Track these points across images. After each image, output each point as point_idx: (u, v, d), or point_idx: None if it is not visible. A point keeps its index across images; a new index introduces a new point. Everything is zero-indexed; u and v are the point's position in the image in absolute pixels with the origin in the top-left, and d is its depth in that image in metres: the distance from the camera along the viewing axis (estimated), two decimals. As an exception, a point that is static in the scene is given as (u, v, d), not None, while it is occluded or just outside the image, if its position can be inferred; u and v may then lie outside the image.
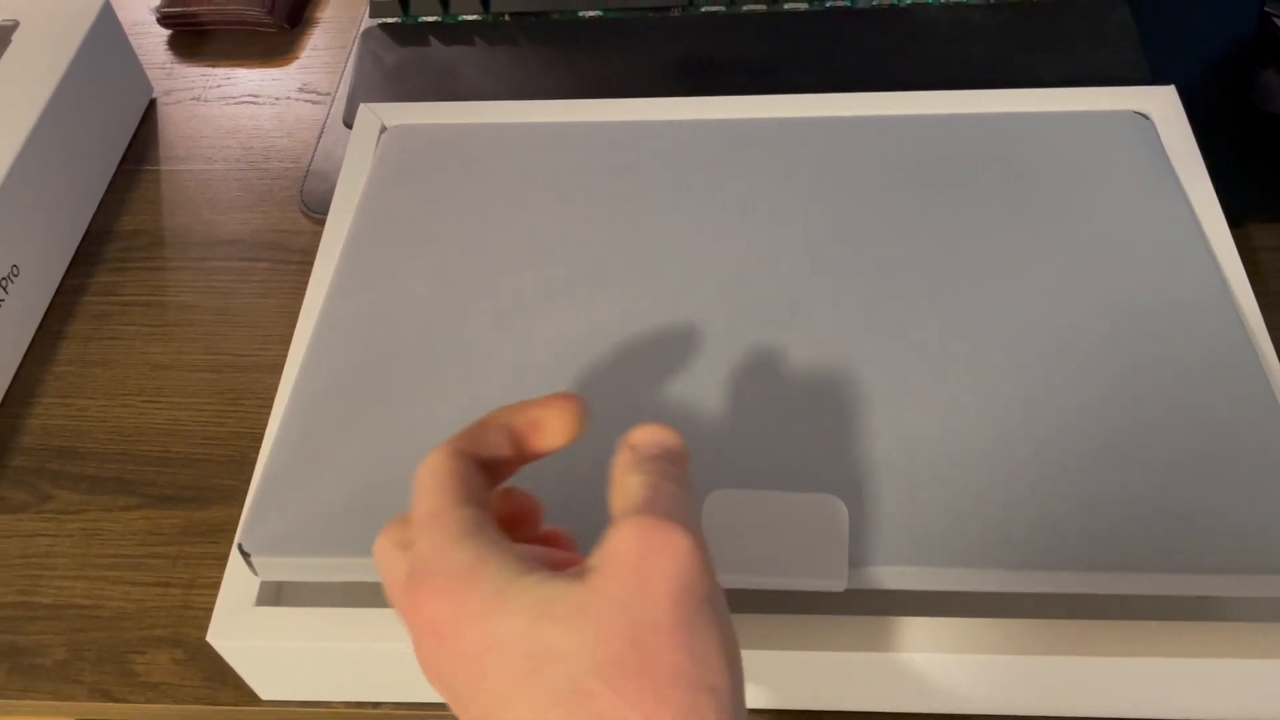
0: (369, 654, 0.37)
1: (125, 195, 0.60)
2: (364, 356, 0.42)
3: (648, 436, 0.28)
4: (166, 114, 0.65)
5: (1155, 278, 0.42)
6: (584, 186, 0.47)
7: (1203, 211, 0.46)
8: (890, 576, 0.35)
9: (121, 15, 0.64)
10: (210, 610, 0.38)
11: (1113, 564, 0.34)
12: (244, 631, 0.37)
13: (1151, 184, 0.46)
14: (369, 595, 0.39)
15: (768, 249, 0.44)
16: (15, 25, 0.58)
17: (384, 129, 0.53)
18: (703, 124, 0.51)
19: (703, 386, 0.40)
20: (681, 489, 0.26)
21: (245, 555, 0.36)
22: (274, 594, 0.40)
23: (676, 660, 0.21)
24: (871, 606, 0.37)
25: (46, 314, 0.55)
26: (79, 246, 0.58)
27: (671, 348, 0.41)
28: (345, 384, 0.41)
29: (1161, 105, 0.50)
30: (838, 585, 0.34)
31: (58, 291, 0.56)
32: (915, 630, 0.36)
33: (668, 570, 0.22)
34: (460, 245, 0.45)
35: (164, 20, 0.69)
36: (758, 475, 0.37)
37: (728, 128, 0.50)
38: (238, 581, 0.38)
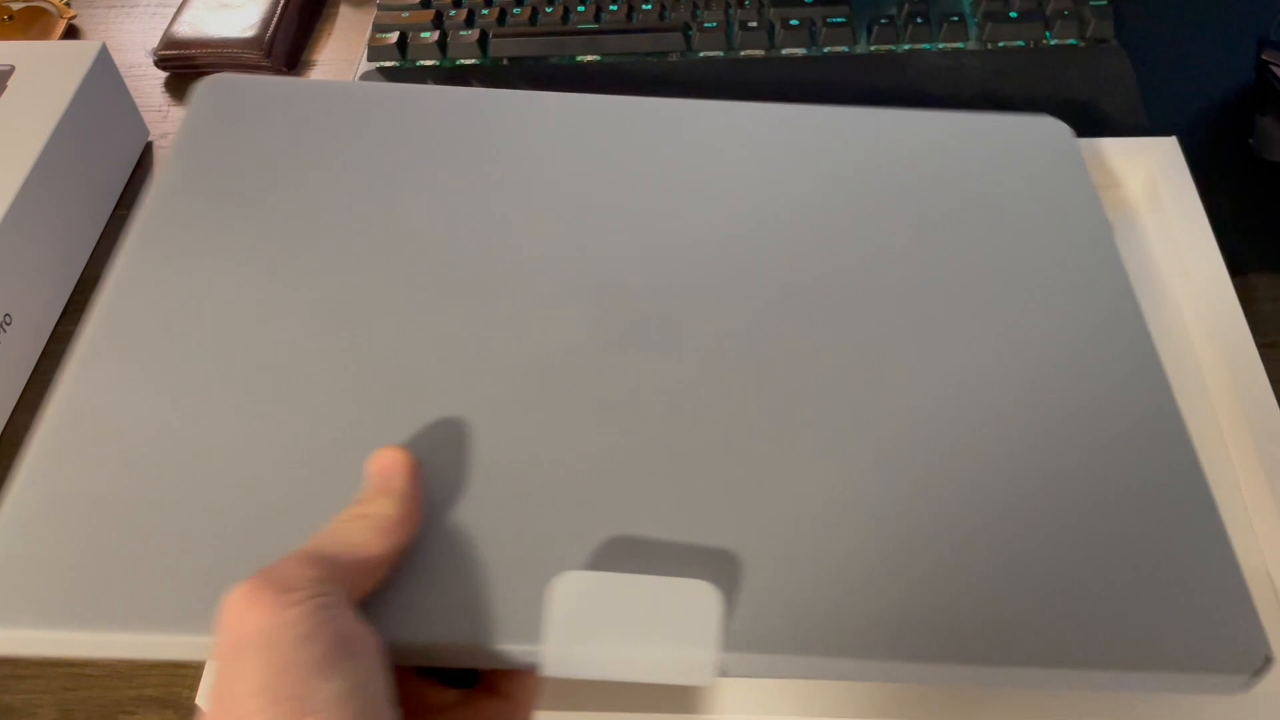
0: None
1: (120, 241, 0.60)
2: (138, 373, 0.35)
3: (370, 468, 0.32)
4: (162, 158, 0.65)
5: (1068, 310, 0.39)
6: (439, 163, 0.42)
7: (1203, 262, 0.46)
8: (766, 666, 0.31)
9: (118, 57, 0.64)
10: (203, 669, 0.37)
11: (1015, 658, 0.31)
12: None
13: (1067, 197, 0.43)
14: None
15: (646, 253, 0.39)
16: (10, 70, 0.58)
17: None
18: (601, 103, 0.45)
19: (552, 434, 0.34)
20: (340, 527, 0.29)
21: None
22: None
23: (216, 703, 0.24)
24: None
25: (39, 362, 0.54)
26: (72, 294, 0.57)
27: (521, 375, 0.36)
28: (112, 407, 0.34)
29: (1164, 157, 0.50)
30: (705, 679, 0.30)
31: (50, 339, 0.55)
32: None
33: (220, 629, 0.25)
34: (276, 230, 0.39)
35: (160, 63, 0.69)
36: (616, 547, 0.32)
37: (629, 109, 0.45)
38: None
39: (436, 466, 0.33)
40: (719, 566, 0.32)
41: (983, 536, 0.33)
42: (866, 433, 0.35)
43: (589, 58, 0.64)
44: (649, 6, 0.65)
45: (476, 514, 0.32)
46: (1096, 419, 0.36)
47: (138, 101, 0.65)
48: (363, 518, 0.29)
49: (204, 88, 0.44)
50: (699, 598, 0.31)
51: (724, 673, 0.31)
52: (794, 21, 0.63)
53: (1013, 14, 0.62)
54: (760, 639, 0.31)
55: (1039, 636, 0.31)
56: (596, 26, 0.64)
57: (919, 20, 0.63)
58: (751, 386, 0.36)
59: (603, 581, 0.31)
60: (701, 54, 0.64)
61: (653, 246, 0.40)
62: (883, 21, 0.63)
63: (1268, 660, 0.31)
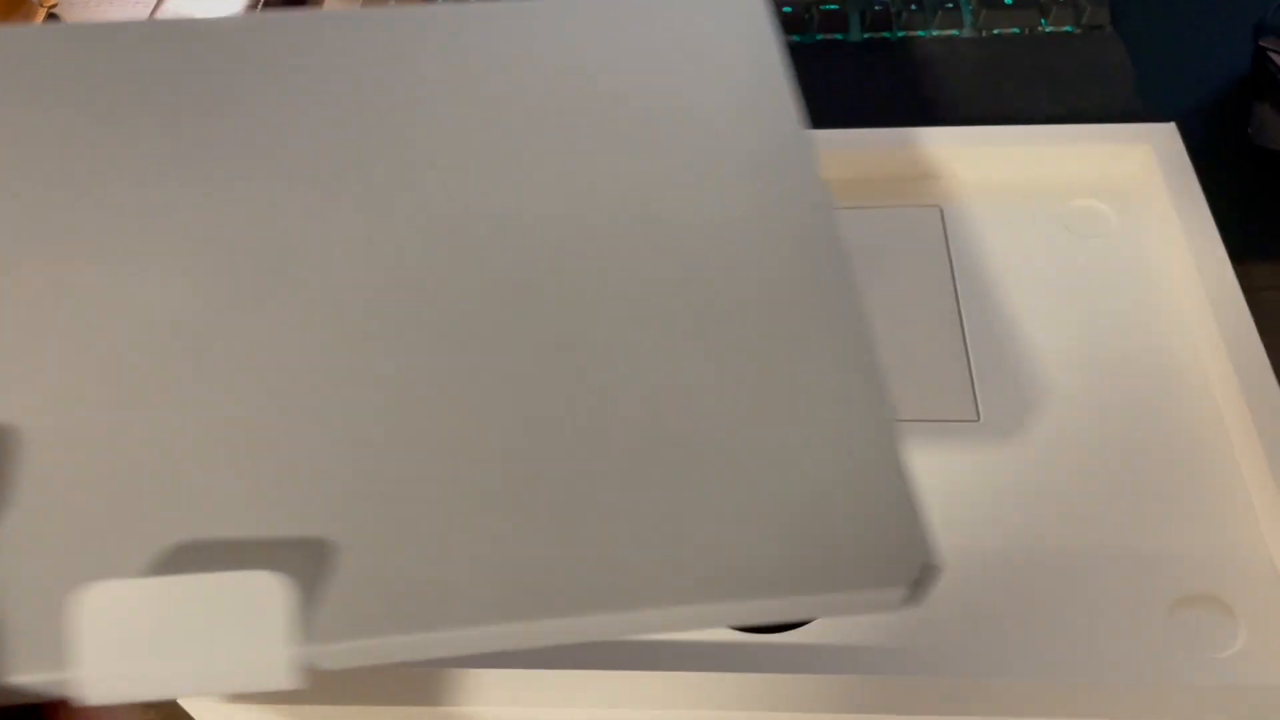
0: None
1: None
2: None
3: None
4: None
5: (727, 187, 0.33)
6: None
7: (1205, 249, 0.45)
8: (364, 653, 0.27)
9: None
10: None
11: (630, 601, 0.26)
12: None
13: (746, 61, 0.38)
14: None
15: (216, 200, 0.33)
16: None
17: None
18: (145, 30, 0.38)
19: (103, 425, 0.29)
20: None
21: None
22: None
23: None
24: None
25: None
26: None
27: (87, 356, 0.30)
28: None
29: (1162, 142, 0.49)
30: (291, 680, 0.26)
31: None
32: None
33: None
34: None
35: (143, 51, 0.68)
36: (177, 551, 0.28)
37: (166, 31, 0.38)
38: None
39: None
40: (300, 553, 0.27)
41: (587, 467, 0.28)
42: (466, 384, 0.30)
43: (578, 45, 0.63)
44: (639, -7, 0.64)
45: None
46: (729, 288, 0.31)
47: (119, 90, 0.64)
48: None
49: None
50: (262, 590, 0.26)
51: (315, 668, 0.26)
52: (787, 9, 0.62)
53: (1007, 0, 0.62)
54: (351, 625, 0.26)
55: (659, 573, 0.27)
56: (586, 14, 0.63)
57: (913, 7, 0.62)
58: (352, 346, 0.30)
59: (139, 588, 0.26)
60: (693, 41, 0.63)
61: (225, 190, 0.33)
62: (876, 8, 0.62)
63: (927, 569, 0.27)
